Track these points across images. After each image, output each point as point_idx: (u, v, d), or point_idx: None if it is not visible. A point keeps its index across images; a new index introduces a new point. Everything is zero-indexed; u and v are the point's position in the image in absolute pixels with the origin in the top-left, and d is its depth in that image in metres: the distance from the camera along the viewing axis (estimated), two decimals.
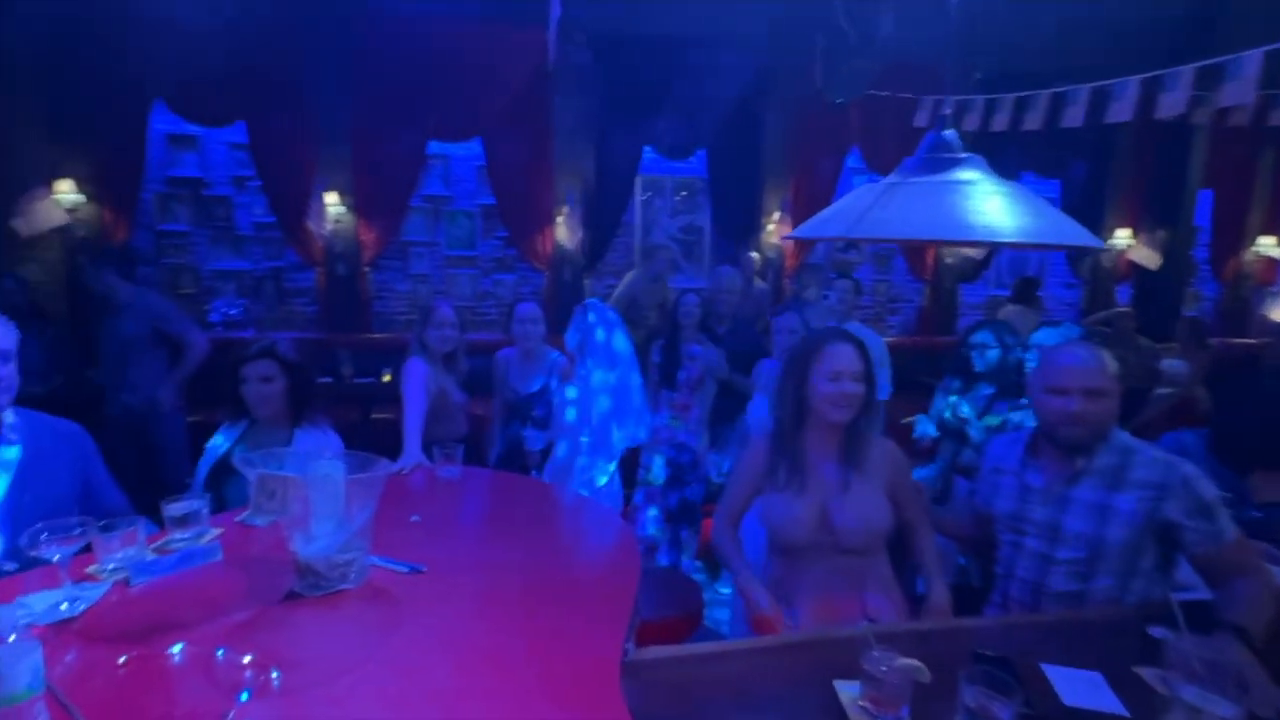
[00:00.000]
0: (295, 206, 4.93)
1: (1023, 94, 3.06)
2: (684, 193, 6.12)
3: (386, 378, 4.44)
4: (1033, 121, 2.98)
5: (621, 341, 2.61)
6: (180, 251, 5.23)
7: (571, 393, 2.68)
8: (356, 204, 5.06)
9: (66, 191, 4.59)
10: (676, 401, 3.27)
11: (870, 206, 1.31)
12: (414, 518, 1.66)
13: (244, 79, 4.63)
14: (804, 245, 5.64)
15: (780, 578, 1.61)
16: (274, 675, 0.98)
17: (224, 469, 1.89)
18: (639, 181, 5.66)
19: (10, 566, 1.44)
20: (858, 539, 1.53)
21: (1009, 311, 4.29)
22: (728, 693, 1.13)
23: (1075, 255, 6.25)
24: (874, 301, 6.53)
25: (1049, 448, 1.54)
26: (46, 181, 4.54)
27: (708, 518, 3.52)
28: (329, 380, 4.48)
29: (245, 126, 4.89)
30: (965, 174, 1.31)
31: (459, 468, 2.00)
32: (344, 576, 1.27)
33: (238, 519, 1.58)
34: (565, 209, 5.19)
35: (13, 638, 0.77)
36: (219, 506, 1.75)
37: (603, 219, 5.33)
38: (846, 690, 1.08)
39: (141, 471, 3.24)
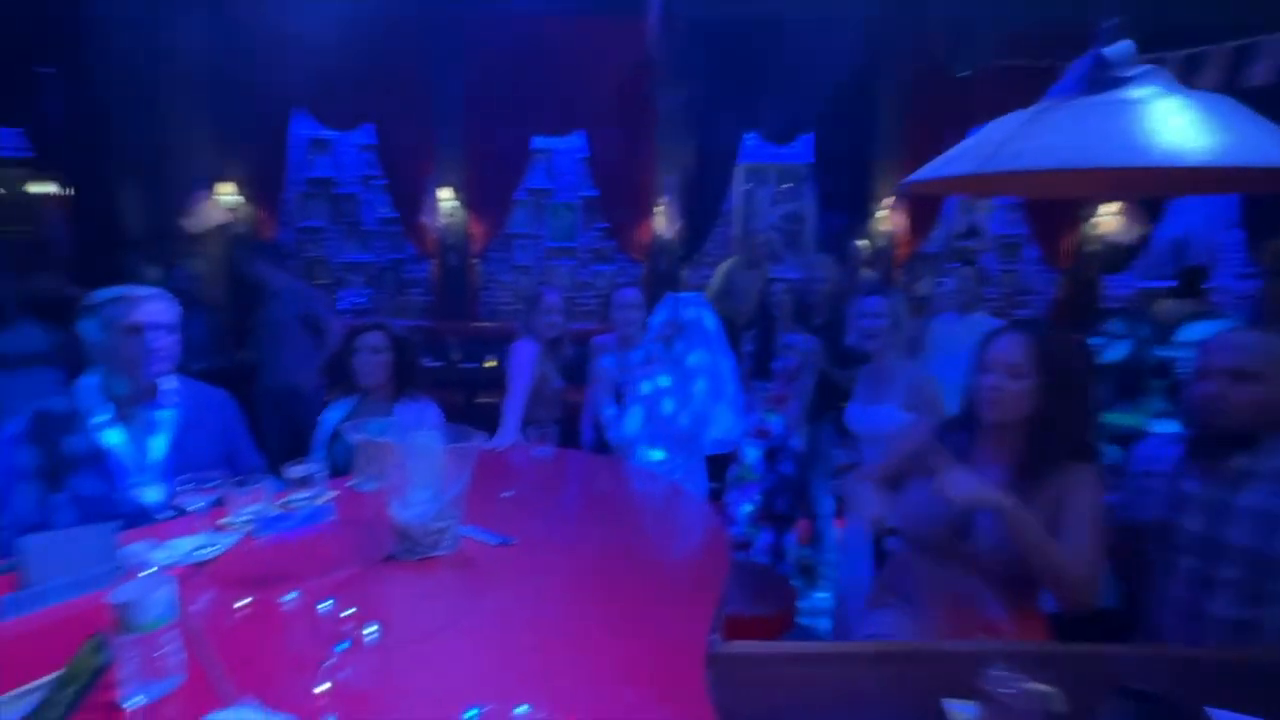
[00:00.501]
0: (414, 202, 5.28)
1: (1194, 50, 2.64)
2: (787, 184, 5.90)
3: (490, 363, 4.65)
4: (1209, 80, 2.56)
5: (711, 321, 2.51)
6: (315, 245, 5.77)
7: (664, 380, 2.63)
8: (467, 199, 5.33)
9: (226, 193, 5.21)
10: (771, 393, 3.15)
11: (1011, 136, 1.08)
12: (506, 493, 1.70)
13: (372, 85, 5.02)
14: (918, 232, 5.27)
15: (901, 571, 1.48)
16: (370, 631, 1.03)
17: (338, 438, 2.05)
18: (740, 170, 5.53)
19: (167, 514, 1.63)
20: (998, 562, 1.35)
21: (1164, 306, 3.75)
22: (820, 698, 1.05)
23: (1256, 237, 5.35)
24: (999, 293, 5.97)
25: (1206, 448, 1.32)
26: (209, 185, 5.17)
27: (806, 519, 3.37)
28: (439, 365, 4.77)
29: (373, 129, 5.30)
30: (1139, 91, 1.04)
31: (552, 447, 2.03)
32: (437, 543, 1.31)
33: (348, 484, 1.69)
34: (665, 199, 5.17)
35: (151, 570, 0.85)
36: (334, 472, 1.89)
37: (701, 208, 5.26)
38: (960, 711, 0.97)
39: (283, 441, 3.61)
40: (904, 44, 4.94)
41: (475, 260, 5.51)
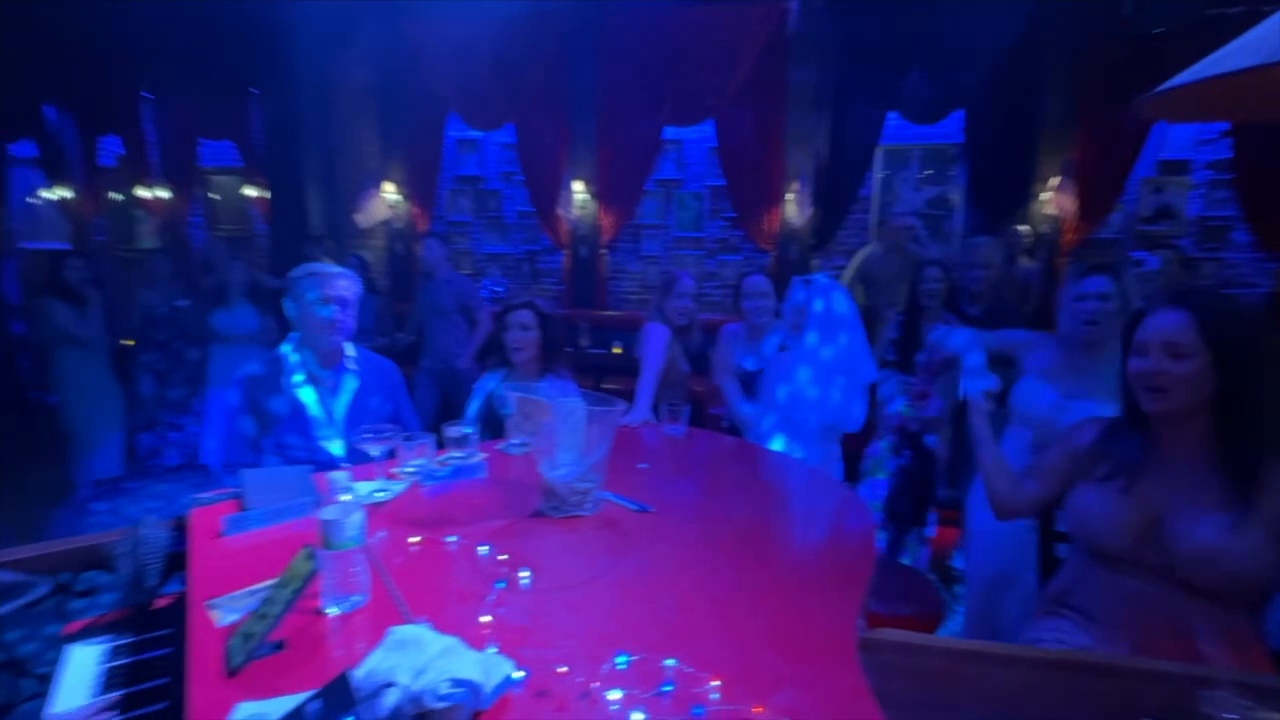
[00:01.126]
0: (549, 195, 5.54)
1: None
2: (928, 171, 5.47)
3: (617, 350, 4.78)
4: None
5: (844, 304, 2.37)
6: (462, 238, 6.25)
7: (797, 367, 2.54)
8: (598, 191, 5.50)
9: (390, 191, 5.79)
10: (913, 388, 2.93)
11: None
12: (642, 465, 1.73)
13: (513, 88, 5.33)
14: (1091, 215, 4.65)
15: (1079, 581, 1.32)
16: (524, 574, 1.09)
17: (489, 408, 2.21)
18: (878, 152, 5.21)
19: (348, 464, 1.84)
20: (1204, 576, 1.15)
21: None
22: (988, 701, 0.96)
23: None
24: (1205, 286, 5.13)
25: None
26: (377, 183, 5.77)
27: (945, 526, 3.11)
28: (569, 350, 4.98)
29: (513, 128, 5.64)
30: None
31: (684, 426, 2.04)
32: (581, 503, 1.37)
33: (498, 447, 1.81)
34: (796, 185, 5.00)
35: (345, 497, 0.96)
36: (484, 438, 2.03)
37: (836, 194, 5.02)
38: None
39: (437, 416, 3.97)
40: (1079, 1, 4.37)
41: (604, 251, 5.68)
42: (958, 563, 3.11)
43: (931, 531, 2.98)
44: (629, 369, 2.49)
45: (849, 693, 0.82)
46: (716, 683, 0.81)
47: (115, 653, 1.14)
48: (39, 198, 7.12)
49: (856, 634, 0.95)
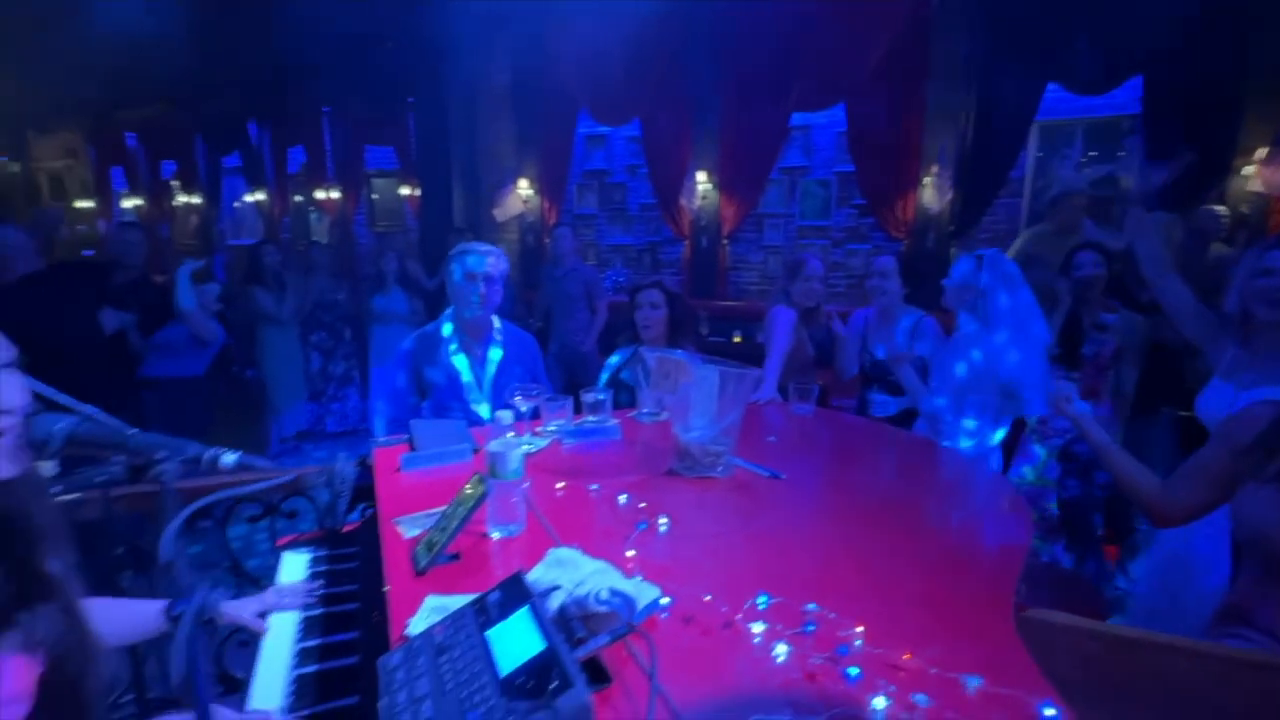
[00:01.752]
0: (672, 187, 5.62)
1: None
2: (1098, 141, 4.88)
3: (737, 339, 4.77)
4: None
5: (1012, 268, 2.16)
6: (588, 230, 6.51)
7: (976, 354, 2.34)
8: (720, 181, 5.50)
9: (524, 187, 6.17)
10: (1081, 384, 2.65)
11: None
12: (770, 438, 1.73)
13: (640, 83, 5.46)
14: None
15: (1261, 598, 1.15)
16: (662, 520, 1.14)
17: (619, 381, 2.31)
18: (1033, 129, 4.74)
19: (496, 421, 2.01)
20: None
21: None
22: (1164, 691, 0.88)
23: None
24: None
25: None
26: (513, 180, 6.17)
27: (1110, 544, 2.80)
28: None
29: (639, 123, 5.78)
30: None
31: (812, 406, 2.01)
32: (713, 465, 1.40)
33: (630, 415, 1.89)
34: (935, 169, 4.68)
35: (509, 434, 1.07)
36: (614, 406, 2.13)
37: (982, 176, 4.63)
38: None
39: (565, 394, 4.22)
40: None
41: (725, 241, 5.67)
42: (1120, 582, 2.78)
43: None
44: (749, 357, 2.48)
45: (1008, 657, 0.79)
46: (860, 629, 0.81)
47: (315, 561, 1.35)
48: (242, 201, 8.40)
49: (1013, 606, 0.90)
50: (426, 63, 6.14)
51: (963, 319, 2.19)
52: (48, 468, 1.08)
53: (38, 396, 0.94)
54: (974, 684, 0.71)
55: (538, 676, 0.58)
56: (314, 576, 1.27)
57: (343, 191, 7.26)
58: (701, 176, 5.51)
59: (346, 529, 1.51)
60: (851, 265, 5.56)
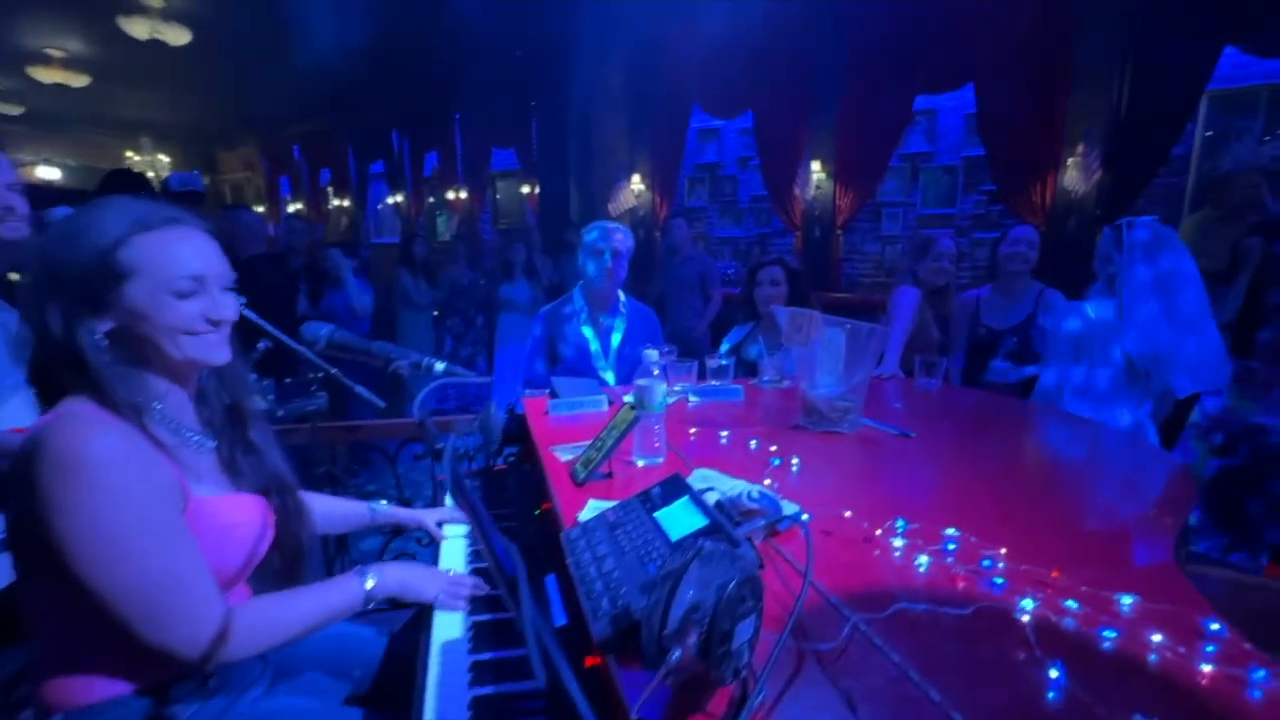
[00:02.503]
0: (784, 178, 5.57)
1: None
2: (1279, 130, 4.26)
3: None
4: None
5: (1164, 231, 1.96)
6: (698, 223, 6.60)
7: (1094, 326, 2.17)
8: (836, 170, 5.38)
9: (636, 182, 6.37)
10: (1256, 375, 2.37)
11: None
12: (896, 405, 1.73)
13: (753, 75, 5.47)
14: None
15: None
16: (794, 460, 1.20)
17: (738, 356, 2.37)
18: (1202, 100, 4.23)
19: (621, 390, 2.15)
20: None
21: None
22: None
23: None
24: None
25: None
26: (626, 176, 6.39)
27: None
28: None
29: (751, 114, 5.78)
30: None
31: (939, 380, 1.97)
32: (840, 420, 1.44)
33: (751, 382, 1.96)
34: (1080, 148, 4.31)
35: (655, 372, 1.18)
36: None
37: (1139, 153, 4.20)
38: None
39: None
40: None
41: (839, 232, 5.53)
42: None
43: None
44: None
45: (1167, 581, 0.78)
46: (1003, 550, 0.83)
47: (475, 489, 1.54)
48: (384, 203, 9.32)
49: (1173, 544, 0.88)
50: (550, 67, 6.51)
51: (1094, 290, 2.05)
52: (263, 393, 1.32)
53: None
54: (1129, 600, 0.72)
55: (707, 539, 0.67)
56: (481, 498, 1.46)
57: (470, 192, 7.86)
58: (816, 166, 5.43)
59: (498, 469, 1.70)
60: (977, 256, 5.23)
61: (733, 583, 0.53)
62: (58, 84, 6.67)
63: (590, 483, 1.10)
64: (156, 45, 5.48)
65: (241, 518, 0.91)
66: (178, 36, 5.24)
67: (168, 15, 5.15)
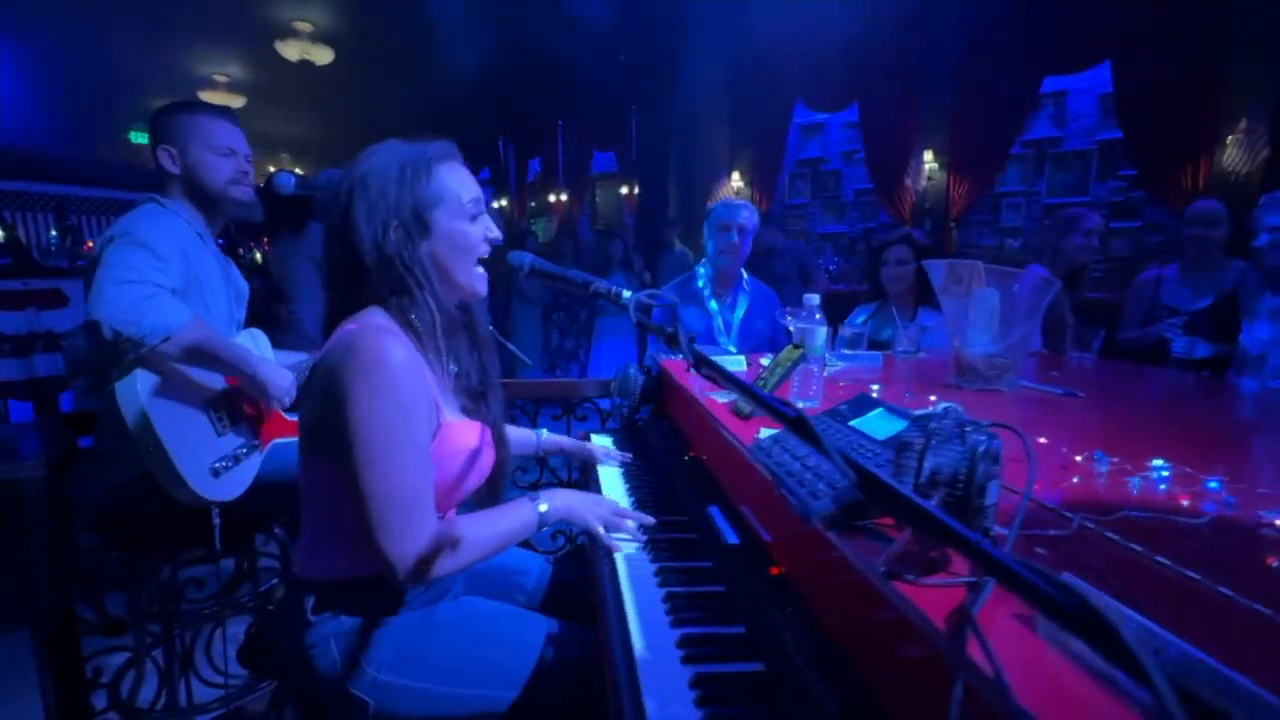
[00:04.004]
0: (892, 169, 5.39)
1: None
2: None
3: None
4: None
5: None
6: (799, 220, 6.51)
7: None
8: (950, 160, 5.14)
9: (736, 179, 6.37)
10: None
11: None
12: (1052, 373, 1.64)
13: (859, 66, 5.34)
14: None
15: None
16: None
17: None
18: None
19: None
20: None
21: None
22: None
23: None
24: None
25: None
26: (726, 173, 6.41)
27: None
28: None
29: (857, 107, 5.64)
30: None
31: (1093, 355, 1.85)
32: (997, 379, 1.39)
33: (886, 352, 1.92)
34: (1242, 124, 3.89)
35: (818, 315, 1.20)
36: None
37: None
38: None
39: None
40: None
41: (953, 225, 5.28)
42: None
43: None
44: None
45: None
46: (1223, 478, 0.78)
47: (616, 438, 1.61)
48: (490, 208, 9.86)
49: None
50: (651, 70, 6.66)
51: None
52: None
53: None
54: None
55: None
56: (621, 448, 1.54)
57: (570, 195, 8.16)
58: (929, 156, 5.22)
59: (638, 424, 1.78)
60: (1114, 248, 4.82)
61: (983, 444, 0.55)
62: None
63: (756, 417, 1.14)
64: (303, 67, 6.12)
65: (472, 443, 0.99)
66: (323, 56, 5.82)
67: (315, 37, 5.73)
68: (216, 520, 1.25)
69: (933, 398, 1.26)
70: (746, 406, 1.15)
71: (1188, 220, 2.41)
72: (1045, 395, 1.36)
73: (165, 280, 1.20)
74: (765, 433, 1.00)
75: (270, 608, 1.69)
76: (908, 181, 5.31)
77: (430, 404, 0.90)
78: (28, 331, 2.56)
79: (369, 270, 0.92)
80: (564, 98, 7.71)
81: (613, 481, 1.36)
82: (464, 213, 0.97)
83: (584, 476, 1.52)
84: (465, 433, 1.00)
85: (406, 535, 0.84)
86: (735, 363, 1.67)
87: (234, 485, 1.28)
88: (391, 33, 5.94)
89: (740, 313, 2.37)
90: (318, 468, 0.92)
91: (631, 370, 1.83)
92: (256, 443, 1.36)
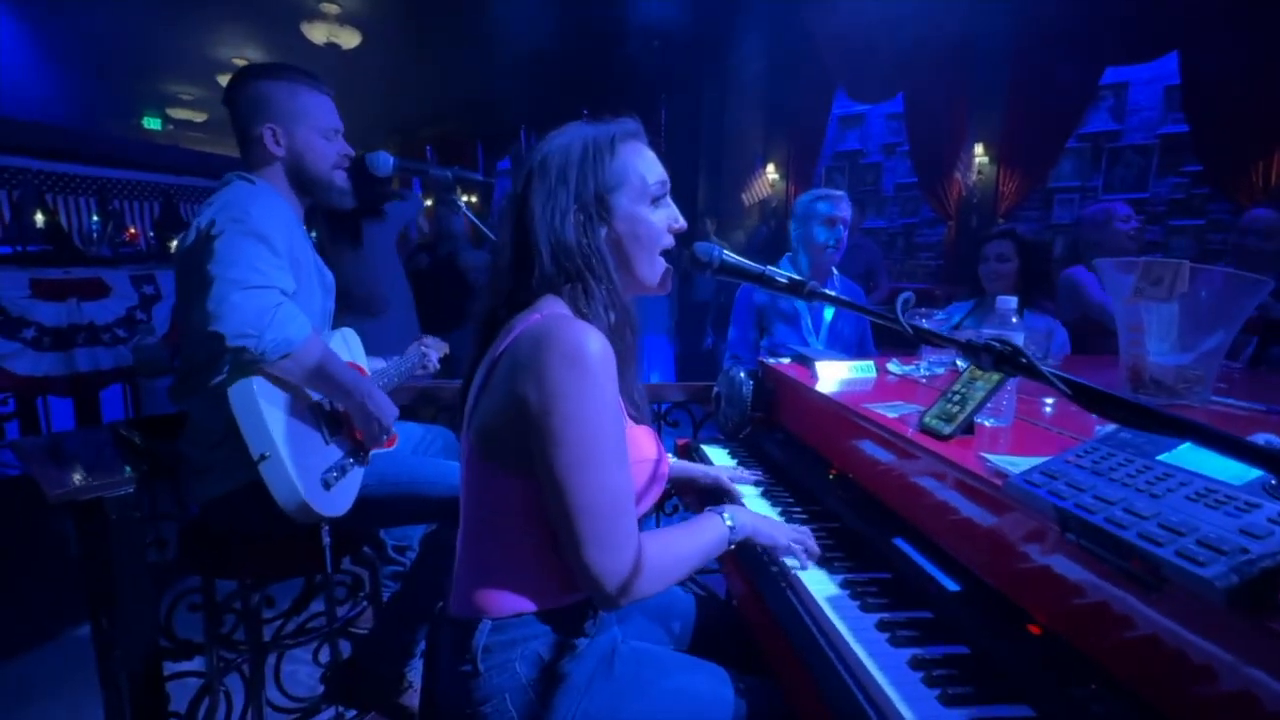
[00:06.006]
0: (938, 163, 5.22)
1: None
2: None
3: None
4: None
5: None
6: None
7: None
8: (1000, 153, 4.97)
9: (771, 171, 6.20)
10: None
11: None
12: (1220, 384, 1.49)
13: (907, 53, 5.15)
14: None
15: None
16: None
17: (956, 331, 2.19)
18: None
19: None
20: None
21: None
22: None
23: None
24: None
25: None
26: (761, 165, 6.24)
27: None
28: None
29: (902, 97, 5.46)
30: None
31: (1241, 364, 1.70)
32: (1184, 394, 1.24)
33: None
34: None
35: (1015, 320, 1.05)
36: None
37: None
38: None
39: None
40: None
41: (1001, 220, 5.10)
42: None
43: None
44: None
45: None
46: None
47: (733, 453, 1.47)
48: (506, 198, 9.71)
49: None
50: (684, 56, 6.48)
51: None
52: None
53: None
54: None
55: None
56: (741, 463, 1.40)
57: None
58: (979, 149, 5.05)
59: (745, 435, 1.63)
60: (1173, 246, 4.65)
61: None
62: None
63: (958, 437, 0.99)
64: (328, 51, 5.94)
65: (652, 452, 0.88)
66: (350, 39, 5.65)
67: (343, 20, 5.56)
68: (327, 540, 1.11)
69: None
70: (947, 425, 1.00)
71: (1241, 229, 2.26)
72: (1244, 412, 1.21)
73: (286, 283, 1.06)
74: (996, 459, 0.85)
75: (354, 631, 1.55)
76: (955, 175, 5.14)
77: (619, 403, 0.79)
78: (68, 323, 2.41)
79: (542, 259, 0.82)
80: (590, 86, 7.52)
81: (756, 504, 1.22)
82: (647, 196, 0.87)
83: (697, 499, 1.38)
84: (644, 440, 0.88)
85: (617, 545, 0.73)
86: (865, 368, 1.52)
87: (343, 500, 1.14)
88: (420, 17, 5.76)
89: (831, 312, 2.22)
90: (499, 479, 0.79)
91: (740, 374, 1.69)
92: (361, 453, 1.22)
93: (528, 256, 0.83)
